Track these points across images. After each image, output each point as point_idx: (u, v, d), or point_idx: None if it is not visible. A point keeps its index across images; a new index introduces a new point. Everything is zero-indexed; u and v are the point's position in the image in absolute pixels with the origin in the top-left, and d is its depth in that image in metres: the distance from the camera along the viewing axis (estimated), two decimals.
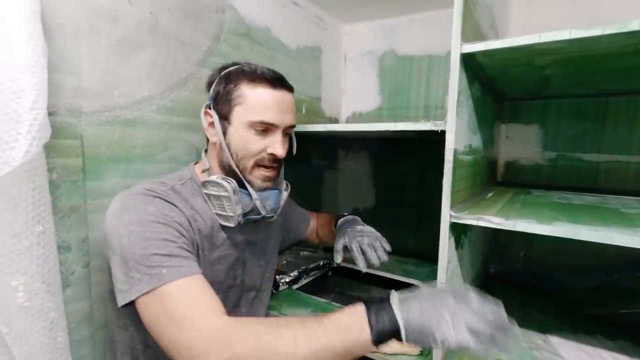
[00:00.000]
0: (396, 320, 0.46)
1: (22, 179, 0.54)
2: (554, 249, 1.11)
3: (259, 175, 0.68)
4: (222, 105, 0.67)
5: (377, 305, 0.49)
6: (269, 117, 0.65)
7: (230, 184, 0.64)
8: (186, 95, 0.88)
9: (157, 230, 0.55)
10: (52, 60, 0.61)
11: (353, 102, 1.53)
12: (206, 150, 0.75)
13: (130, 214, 0.56)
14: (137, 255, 0.52)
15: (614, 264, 0.99)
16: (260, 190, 0.69)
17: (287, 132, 0.70)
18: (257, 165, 0.67)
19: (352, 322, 0.48)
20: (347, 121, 1.54)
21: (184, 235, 0.59)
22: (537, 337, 0.82)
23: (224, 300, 0.71)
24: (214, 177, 0.65)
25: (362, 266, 0.76)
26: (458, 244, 0.72)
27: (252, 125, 0.65)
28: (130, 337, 0.65)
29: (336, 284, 1.33)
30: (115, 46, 0.73)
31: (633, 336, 0.81)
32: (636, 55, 0.61)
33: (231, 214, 0.65)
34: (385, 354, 0.73)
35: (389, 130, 0.73)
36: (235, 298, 0.75)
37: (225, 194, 0.64)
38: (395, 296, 0.50)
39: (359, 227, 0.83)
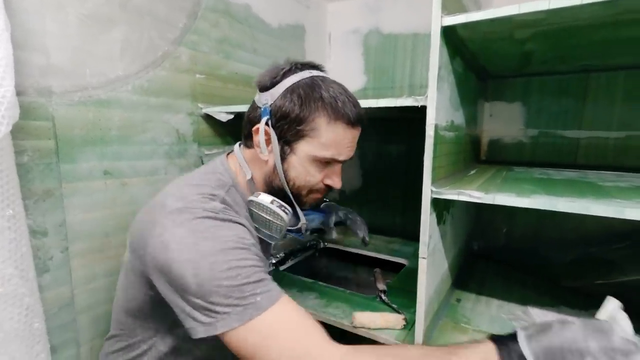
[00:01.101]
0: None
1: None
2: (535, 225, 1.13)
3: (311, 200, 0.67)
4: (286, 129, 0.60)
5: (506, 345, 0.45)
6: (341, 155, 0.63)
7: (288, 215, 0.62)
8: (163, 75, 0.85)
9: (241, 256, 0.51)
10: (15, 36, 0.58)
11: None
12: (240, 145, 0.70)
13: (206, 242, 0.50)
14: (224, 288, 0.48)
15: (591, 237, 1.02)
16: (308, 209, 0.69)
17: None
18: (311, 192, 0.66)
19: None
20: None
21: (259, 256, 0.55)
22: (517, 309, 0.85)
23: None
24: (267, 203, 0.61)
25: (364, 234, 0.90)
26: (440, 220, 0.73)
27: (320, 160, 0.62)
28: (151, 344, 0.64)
29: (323, 265, 1.34)
30: (84, 22, 0.70)
31: None
32: (614, 27, 0.60)
33: (277, 236, 0.65)
34: (369, 328, 0.75)
35: (372, 109, 0.72)
36: None
37: (280, 223, 0.62)
38: (522, 335, 0.46)
39: (349, 209, 0.90)
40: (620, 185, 0.69)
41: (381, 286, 0.91)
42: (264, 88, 0.64)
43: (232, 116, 0.95)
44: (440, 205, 0.70)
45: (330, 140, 0.60)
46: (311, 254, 1.28)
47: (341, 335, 0.78)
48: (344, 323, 0.78)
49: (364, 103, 0.73)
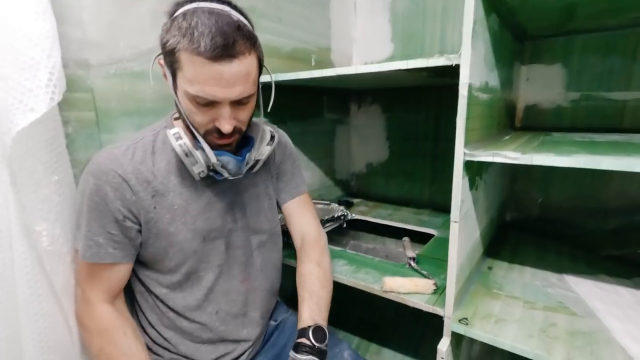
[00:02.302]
0: None
1: (36, 130, 0.55)
2: (572, 194, 1.09)
3: (213, 143, 0.63)
4: (167, 62, 0.58)
5: None
6: (207, 94, 0.56)
7: (182, 147, 0.60)
8: None
9: (88, 207, 0.59)
10: (54, 11, 0.60)
11: (364, 52, 1.47)
12: None
13: (82, 182, 0.61)
14: (78, 219, 0.62)
15: (634, 205, 0.97)
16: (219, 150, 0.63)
17: (241, 102, 0.61)
18: (208, 134, 0.62)
19: None
20: None
21: (114, 216, 0.60)
22: (551, 277, 0.83)
23: (229, 244, 0.71)
24: (170, 133, 0.60)
25: None
26: (472, 185, 0.71)
27: (192, 98, 0.57)
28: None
29: (351, 235, 1.35)
30: None
31: None
32: None
33: (196, 170, 0.62)
34: (399, 293, 0.75)
35: (401, 76, 0.70)
36: (243, 241, 0.74)
37: (177, 150, 0.60)
38: None
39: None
40: None
41: (410, 253, 0.91)
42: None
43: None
44: (472, 169, 0.69)
45: (192, 75, 0.55)
46: (338, 226, 1.29)
47: (371, 300, 0.79)
48: (374, 288, 0.79)
49: (393, 66, 0.71)
